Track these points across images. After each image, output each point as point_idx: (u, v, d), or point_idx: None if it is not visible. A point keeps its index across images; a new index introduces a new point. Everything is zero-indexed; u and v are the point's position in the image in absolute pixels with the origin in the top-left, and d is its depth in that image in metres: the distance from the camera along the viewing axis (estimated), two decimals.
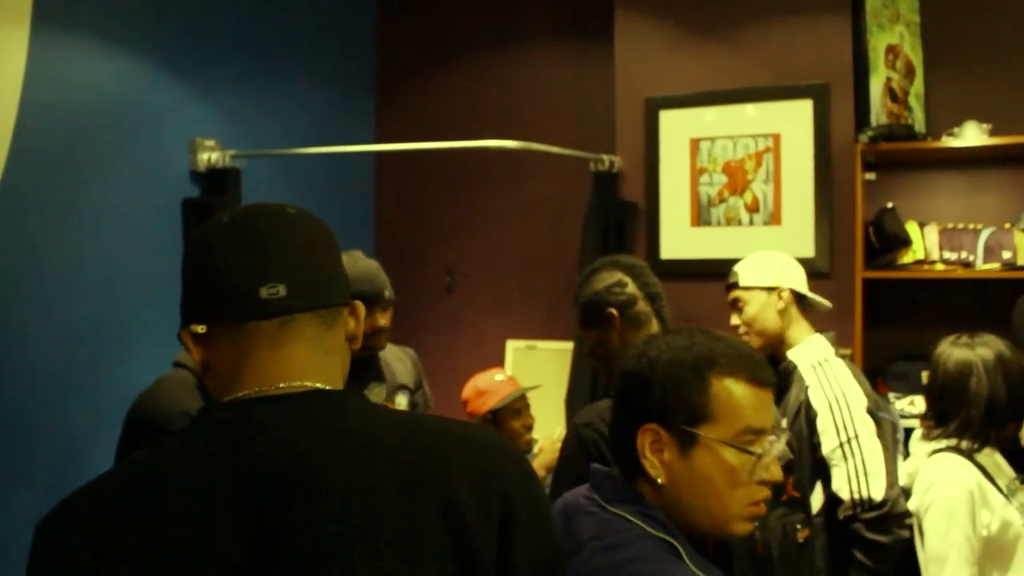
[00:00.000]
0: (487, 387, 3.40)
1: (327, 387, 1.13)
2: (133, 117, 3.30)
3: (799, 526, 2.41)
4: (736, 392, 1.38)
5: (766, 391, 1.41)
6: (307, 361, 1.13)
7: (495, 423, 3.36)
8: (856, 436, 2.66)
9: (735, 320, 2.89)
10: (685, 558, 1.32)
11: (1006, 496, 2.50)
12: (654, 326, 2.22)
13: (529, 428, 3.40)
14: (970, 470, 2.52)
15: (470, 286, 4.47)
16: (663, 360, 1.40)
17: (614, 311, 2.23)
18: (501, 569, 1.04)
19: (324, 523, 1.01)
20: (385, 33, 4.73)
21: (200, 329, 1.13)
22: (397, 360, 3.23)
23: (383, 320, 2.89)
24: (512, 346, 4.31)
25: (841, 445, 2.66)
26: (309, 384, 1.11)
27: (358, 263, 2.81)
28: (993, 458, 2.60)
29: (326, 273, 1.16)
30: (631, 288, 2.25)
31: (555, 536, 1.13)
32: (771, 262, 2.88)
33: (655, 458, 1.38)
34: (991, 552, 2.46)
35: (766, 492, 1.40)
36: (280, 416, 1.08)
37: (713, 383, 1.37)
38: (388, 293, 2.90)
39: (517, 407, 3.38)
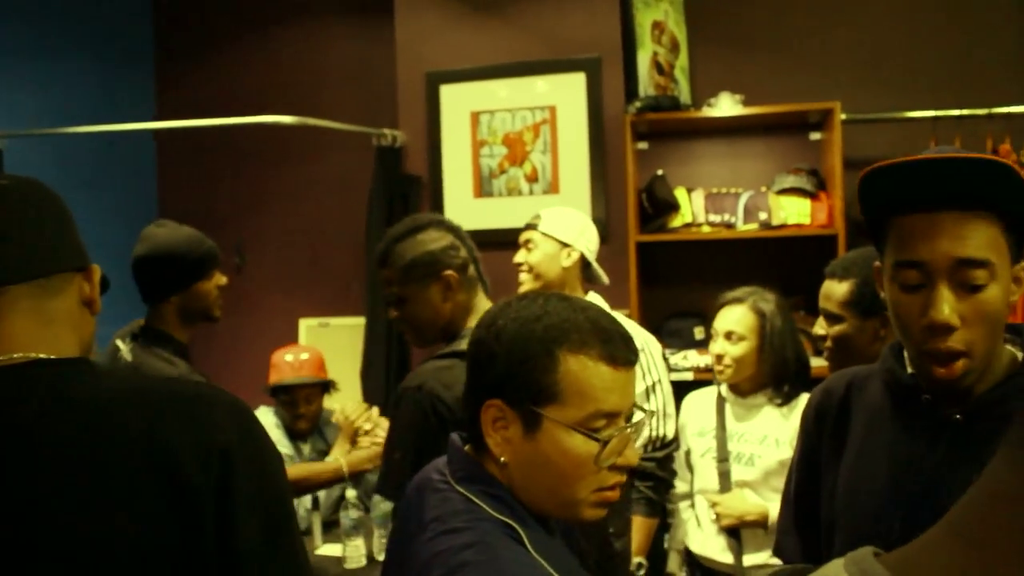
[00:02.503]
0: (278, 363, 3.46)
1: (51, 356, 1.13)
2: None
3: None
4: (588, 372, 1.25)
5: (623, 371, 1.28)
6: (27, 332, 1.13)
7: (277, 396, 3.39)
8: (659, 380, 2.88)
9: (520, 258, 2.98)
10: (527, 543, 1.23)
11: (720, 429, 2.83)
12: (480, 290, 2.17)
13: (302, 417, 3.41)
14: (702, 400, 2.96)
15: (260, 265, 4.41)
16: (510, 331, 1.27)
17: (453, 273, 2.12)
18: (220, 521, 1.06)
19: (42, 488, 1.02)
20: (164, 4, 4.58)
21: None
22: None
23: (224, 279, 2.85)
24: (305, 324, 4.29)
25: (647, 389, 2.85)
26: (32, 355, 1.12)
27: (181, 230, 2.77)
28: (747, 401, 2.83)
29: (43, 242, 1.16)
30: (464, 252, 2.17)
31: (278, 489, 1.14)
32: (574, 222, 2.98)
33: (499, 435, 1.28)
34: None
35: (620, 477, 1.30)
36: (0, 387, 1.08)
37: (562, 360, 1.24)
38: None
39: (304, 395, 3.39)
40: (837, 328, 2.29)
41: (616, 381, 1.27)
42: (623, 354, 1.28)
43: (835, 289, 2.28)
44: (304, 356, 3.48)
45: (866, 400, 1.49)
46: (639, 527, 2.85)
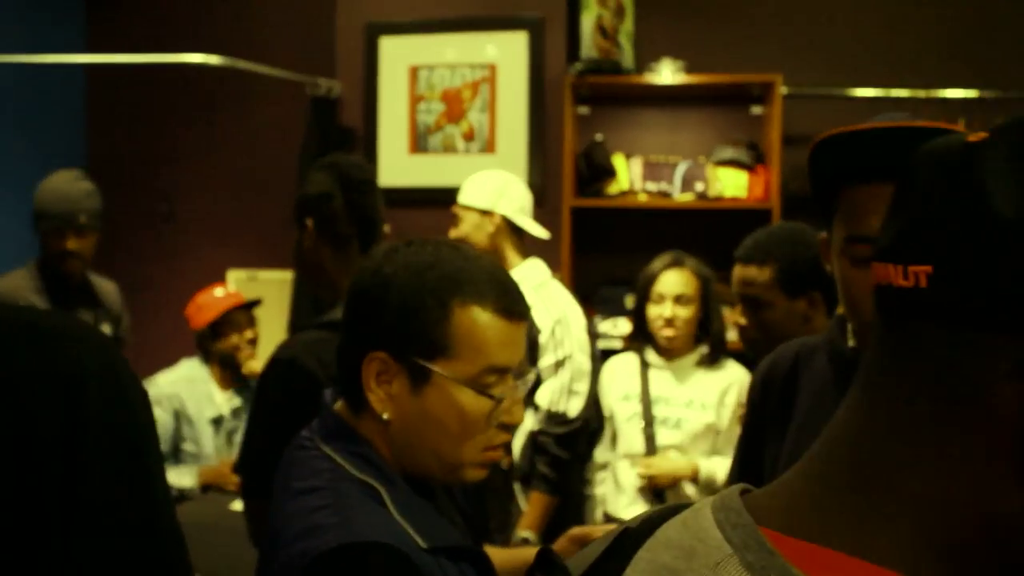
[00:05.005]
0: (205, 302, 3.43)
1: None
2: None
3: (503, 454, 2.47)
4: (481, 324, 1.18)
5: (517, 324, 1.22)
6: None
7: (214, 337, 3.36)
8: (570, 355, 2.79)
9: (451, 234, 2.92)
10: (388, 504, 1.16)
11: (644, 394, 2.83)
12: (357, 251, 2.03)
13: (252, 343, 3.44)
14: (623, 365, 2.95)
15: (189, 215, 4.30)
16: (400, 279, 1.19)
17: (310, 222, 2.03)
18: (68, 466, 0.95)
19: None
20: None
21: None
22: (107, 292, 3.20)
23: (72, 244, 2.81)
24: (233, 276, 4.20)
25: (556, 362, 2.78)
26: None
27: (67, 184, 2.80)
28: (673, 364, 2.82)
29: None
30: (337, 204, 2.03)
31: (139, 425, 1.04)
32: (490, 185, 2.90)
33: (381, 390, 1.20)
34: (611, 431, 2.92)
35: (506, 436, 1.25)
36: None
37: (456, 312, 1.18)
38: (84, 219, 2.85)
39: (237, 320, 3.37)
40: (765, 314, 2.26)
41: (510, 335, 1.21)
42: (518, 307, 1.23)
43: (757, 274, 2.25)
44: (231, 289, 3.55)
45: (812, 372, 1.46)
46: (533, 502, 2.75)
